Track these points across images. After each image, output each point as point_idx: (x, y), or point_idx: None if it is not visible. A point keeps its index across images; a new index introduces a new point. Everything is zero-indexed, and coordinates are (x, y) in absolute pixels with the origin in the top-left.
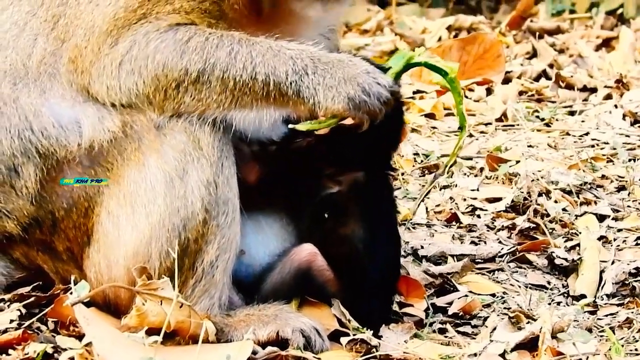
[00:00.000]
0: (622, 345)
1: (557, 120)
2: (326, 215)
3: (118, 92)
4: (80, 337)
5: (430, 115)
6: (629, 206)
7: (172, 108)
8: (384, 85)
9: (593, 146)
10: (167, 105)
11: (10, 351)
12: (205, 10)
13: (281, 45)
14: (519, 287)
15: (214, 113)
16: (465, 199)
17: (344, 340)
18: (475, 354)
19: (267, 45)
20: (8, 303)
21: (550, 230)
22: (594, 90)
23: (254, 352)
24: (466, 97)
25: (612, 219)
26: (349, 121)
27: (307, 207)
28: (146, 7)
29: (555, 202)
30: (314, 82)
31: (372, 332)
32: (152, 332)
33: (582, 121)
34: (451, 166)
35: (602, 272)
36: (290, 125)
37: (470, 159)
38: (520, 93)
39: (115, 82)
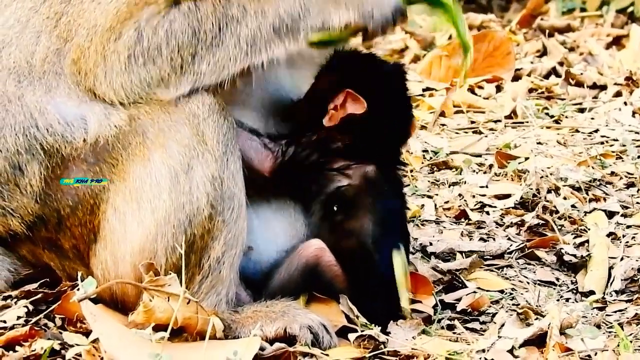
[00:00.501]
0: (631, 342)
1: (566, 117)
2: (335, 209)
3: (130, 85)
4: (87, 333)
5: (440, 113)
6: (638, 203)
7: (190, 81)
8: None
9: (602, 143)
10: (184, 79)
11: (17, 348)
12: None
13: None
14: (528, 283)
15: (228, 73)
16: (474, 196)
17: (351, 336)
18: (483, 350)
19: None
20: (15, 300)
21: (559, 227)
22: (603, 87)
23: (262, 349)
24: (476, 94)
25: (621, 215)
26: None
27: (316, 201)
28: None
29: (565, 198)
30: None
31: (380, 328)
32: (159, 328)
33: (592, 118)
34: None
35: (610, 268)
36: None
37: (479, 155)
38: (530, 90)
39: (126, 77)
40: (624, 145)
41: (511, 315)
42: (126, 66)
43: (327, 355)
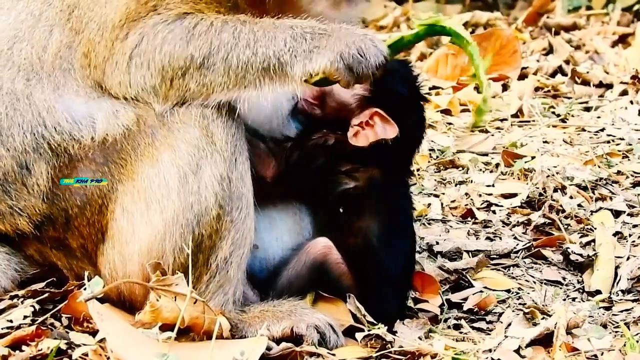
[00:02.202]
0: (637, 341)
1: (572, 116)
2: (341, 210)
3: (128, 87)
4: (94, 333)
5: (446, 111)
6: None
7: (177, 96)
8: (381, 50)
9: (608, 142)
10: (172, 93)
11: (24, 347)
12: (215, 0)
13: (284, 20)
14: (534, 282)
15: (217, 97)
16: (480, 195)
17: (358, 335)
18: (490, 350)
19: (270, 22)
20: (22, 299)
21: (566, 226)
22: (609, 86)
23: (269, 348)
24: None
25: (628, 214)
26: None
27: (323, 203)
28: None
29: (571, 197)
30: (311, 45)
31: (386, 327)
32: (166, 328)
33: (598, 117)
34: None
35: (617, 267)
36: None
37: (485, 154)
38: (536, 89)
39: (126, 77)
40: (630, 144)
41: (518, 314)
42: (127, 66)
43: (333, 354)
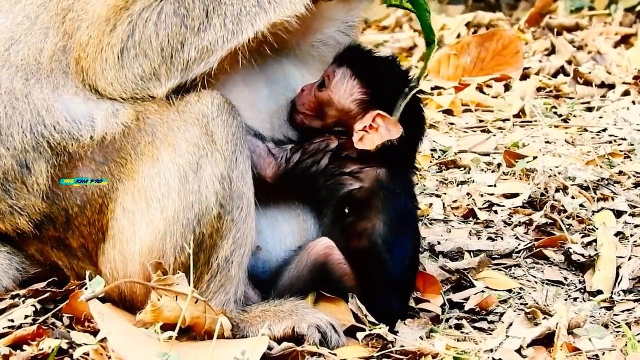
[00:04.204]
0: (639, 341)
1: (574, 116)
2: (346, 211)
3: (125, 80)
4: (95, 332)
5: (448, 112)
6: None
7: (180, 70)
8: None
9: (610, 142)
10: (174, 70)
11: (25, 347)
12: None
13: None
14: (536, 282)
15: (218, 56)
16: (482, 195)
17: (360, 335)
18: (491, 350)
19: None
20: (23, 298)
21: (567, 226)
22: (611, 86)
23: (270, 348)
24: (484, 93)
25: (629, 214)
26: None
27: (327, 203)
28: None
29: (573, 198)
30: None
31: (388, 327)
32: (167, 327)
33: (600, 117)
34: (421, 80)
35: (618, 268)
36: None
37: (487, 154)
38: (539, 89)
39: (120, 71)
40: (632, 145)
41: (519, 314)
42: (119, 60)
43: (335, 354)
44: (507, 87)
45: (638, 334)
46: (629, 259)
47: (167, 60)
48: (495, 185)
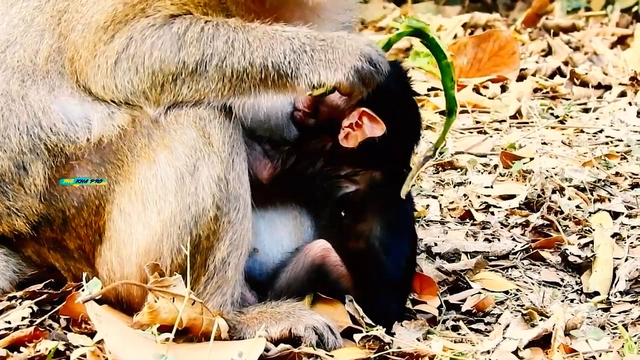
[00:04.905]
0: (635, 343)
1: (571, 117)
2: (343, 214)
3: (114, 90)
4: (92, 334)
5: (445, 113)
6: None
7: (169, 100)
8: (384, 56)
9: (607, 143)
10: (164, 98)
11: (22, 348)
12: (205, 4)
13: (277, 28)
14: (532, 284)
15: (210, 102)
16: (479, 196)
17: (356, 337)
18: (488, 351)
19: (263, 30)
20: (20, 300)
21: (564, 228)
22: (608, 87)
23: (267, 350)
24: (481, 94)
25: (626, 216)
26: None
27: (324, 206)
28: (146, 2)
29: (569, 199)
30: (315, 58)
31: (385, 329)
32: (164, 329)
33: (597, 118)
34: (437, 151)
35: (615, 269)
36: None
37: (484, 156)
38: (535, 90)
39: (111, 80)
40: (628, 146)
41: (516, 316)
42: (112, 70)
43: (332, 356)
44: (503, 88)
45: (635, 335)
46: (626, 260)
47: (158, 87)
48: (492, 187)
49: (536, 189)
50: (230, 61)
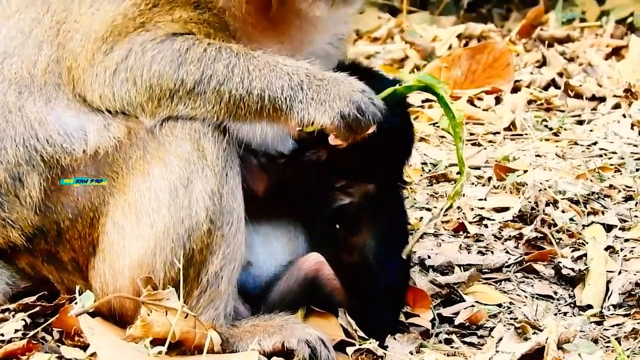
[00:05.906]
0: (628, 356)
1: (565, 129)
2: (337, 227)
3: (112, 99)
4: (85, 347)
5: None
6: (636, 216)
7: (165, 114)
8: (379, 106)
9: (601, 156)
10: (160, 111)
11: None
12: (205, 21)
13: (278, 60)
14: (526, 297)
15: (204, 120)
16: (472, 209)
17: (349, 350)
18: None
19: (264, 60)
20: (13, 313)
21: (557, 240)
22: (602, 99)
23: None
24: (475, 106)
25: (620, 229)
26: (331, 139)
27: (318, 219)
28: (146, 16)
29: (563, 212)
30: (308, 96)
31: (378, 342)
32: (157, 342)
33: (591, 131)
34: (449, 209)
35: (608, 282)
36: None
37: (478, 168)
38: (529, 102)
39: (109, 90)
40: (622, 158)
41: (509, 329)
42: (110, 79)
43: None
44: (498, 100)
45: (628, 349)
46: (619, 273)
47: (154, 101)
48: (485, 199)
49: (530, 202)
50: (228, 86)
